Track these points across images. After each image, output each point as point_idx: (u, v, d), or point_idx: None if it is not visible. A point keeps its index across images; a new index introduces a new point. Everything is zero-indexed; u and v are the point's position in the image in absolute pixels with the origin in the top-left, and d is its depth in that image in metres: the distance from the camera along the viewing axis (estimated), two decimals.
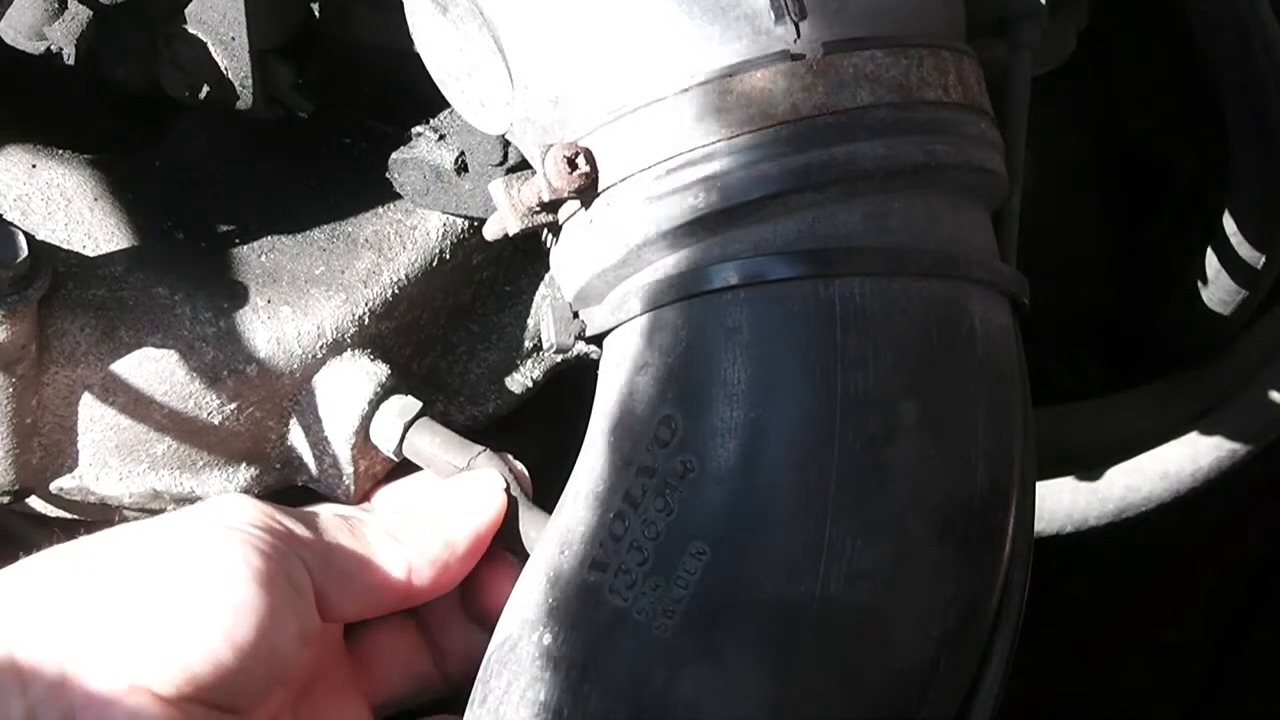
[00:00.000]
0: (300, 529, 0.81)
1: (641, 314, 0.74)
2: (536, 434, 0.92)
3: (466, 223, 0.90)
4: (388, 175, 0.89)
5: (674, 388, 0.72)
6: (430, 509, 0.84)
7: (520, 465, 0.86)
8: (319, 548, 0.81)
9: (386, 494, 0.89)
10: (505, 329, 0.95)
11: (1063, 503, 1.23)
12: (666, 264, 0.73)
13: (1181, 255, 1.21)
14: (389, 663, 0.86)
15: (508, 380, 0.95)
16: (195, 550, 0.77)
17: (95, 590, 0.76)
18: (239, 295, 0.87)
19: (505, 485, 0.83)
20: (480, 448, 0.85)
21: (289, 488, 0.90)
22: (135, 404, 0.86)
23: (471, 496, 0.83)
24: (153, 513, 0.89)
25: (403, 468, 0.88)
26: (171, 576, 0.77)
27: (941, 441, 0.72)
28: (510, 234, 0.78)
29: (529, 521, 0.83)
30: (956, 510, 0.72)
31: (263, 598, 0.76)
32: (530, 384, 0.95)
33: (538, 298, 0.94)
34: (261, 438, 0.88)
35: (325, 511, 0.85)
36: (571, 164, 0.73)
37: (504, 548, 0.84)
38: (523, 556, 0.78)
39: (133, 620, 0.75)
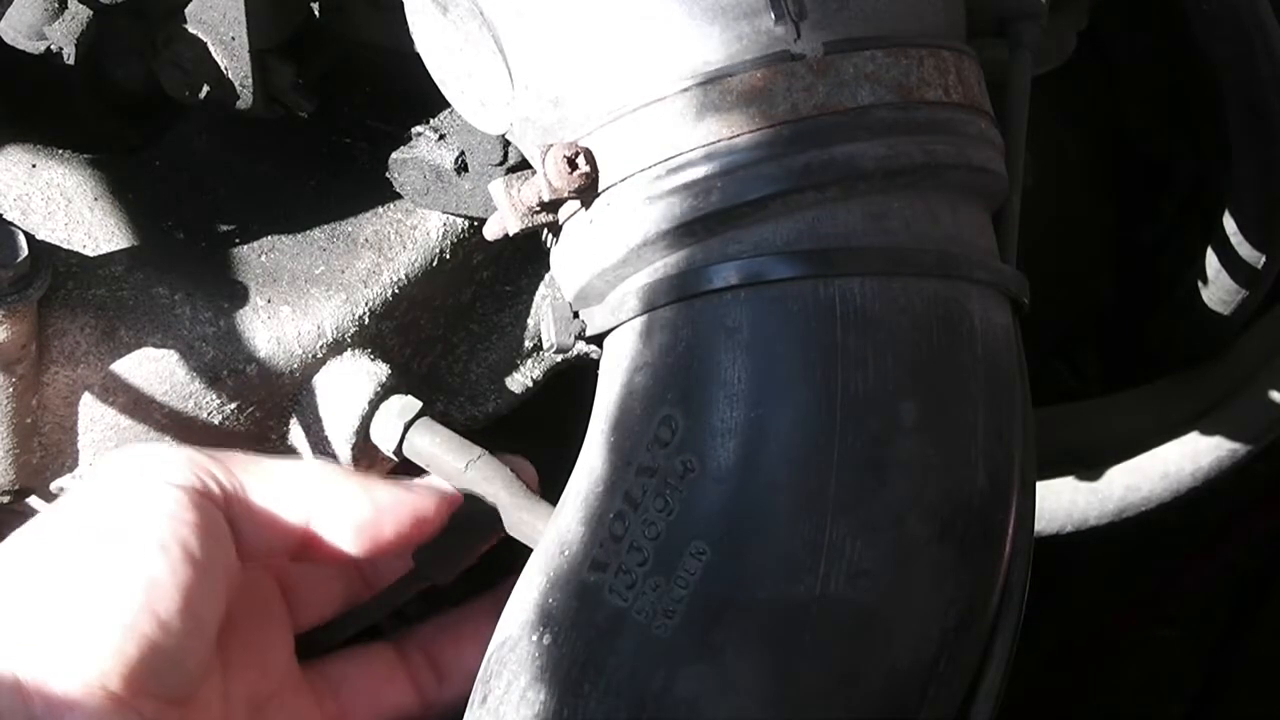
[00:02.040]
0: (219, 469, 0.79)
1: (641, 314, 0.74)
2: (536, 434, 0.92)
3: (466, 223, 0.90)
4: (388, 175, 0.89)
5: (674, 388, 0.72)
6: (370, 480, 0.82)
7: (525, 462, 0.86)
8: (233, 491, 0.79)
9: None
10: (505, 329, 0.95)
11: (1063, 503, 1.23)
12: (667, 264, 0.74)
13: (1181, 255, 1.21)
14: (360, 697, 0.85)
15: (508, 380, 0.95)
16: (107, 532, 0.75)
17: (30, 592, 0.75)
18: (239, 295, 0.87)
19: (445, 502, 0.82)
20: (480, 449, 0.85)
21: None
22: (135, 404, 0.86)
23: (419, 486, 0.82)
24: None
25: (403, 468, 0.88)
26: (93, 568, 0.74)
27: (941, 441, 0.72)
28: (510, 234, 0.78)
29: (537, 515, 0.83)
30: (956, 510, 0.72)
31: (179, 569, 0.74)
32: (530, 384, 0.95)
33: (538, 298, 0.94)
34: (262, 438, 0.88)
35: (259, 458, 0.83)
36: (571, 164, 0.73)
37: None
38: (528, 552, 0.78)
39: (73, 618, 0.73)
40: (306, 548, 0.81)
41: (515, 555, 0.83)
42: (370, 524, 0.81)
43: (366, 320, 0.88)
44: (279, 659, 0.83)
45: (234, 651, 0.80)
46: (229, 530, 0.78)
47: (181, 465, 0.78)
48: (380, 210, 0.91)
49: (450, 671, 0.86)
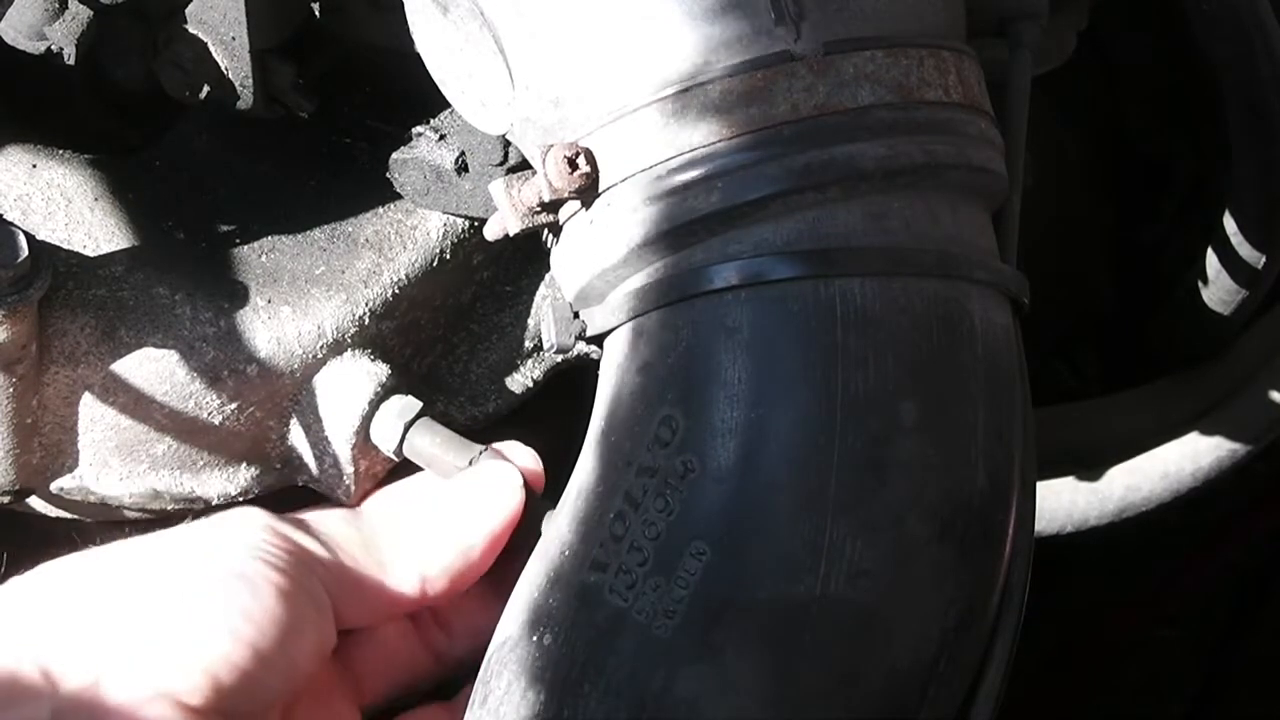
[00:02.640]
0: (313, 544, 0.82)
1: (642, 314, 0.74)
2: (537, 434, 0.92)
3: (466, 223, 0.90)
4: (388, 175, 0.89)
5: (674, 388, 0.72)
6: (446, 512, 0.84)
7: (527, 449, 0.86)
8: (333, 563, 0.81)
9: (397, 490, 0.89)
10: (505, 329, 0.95)
11: (1063, 503, 1.23)
12: (667, 264, 0.73)
13: (1181, 255, 1.21)
14: (377, 662, 0.87)
15: (508, 380, 0.95)
16: (216, 563, 0.78)
17: (120, 598, 0.77)
18: (239, 295, 0.87)
19: (522, 479, 0.84)
20: (480, 447, 0.85)
21: (289, 487, 0.91)
22: (135, 404, 0.86)
23: (487, 495, 0.83)
24: (153, 513, 0.89)
25: (403, 468, 0.88)
26: (194, 588, 0.77)
27: (942, 441, 0.72)
28: (510, 234, 0.78)
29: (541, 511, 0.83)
30: (956, 510, 0.72)
31: (283, 610, 0.77)
32: (530, 384, 0.95)
33: (538, 298, 0.94)
34: (262, 438, 0.88)
35: (336, 519, 0.85)
36: (572, 164, 0.73)
37: None
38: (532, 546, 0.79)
39: (158, 630, 0.76)
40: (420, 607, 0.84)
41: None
42: (463, 573, 0.83)
43: (366, 320, 0.88)
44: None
45: None
46: (327, 597, 0.80)
47: (282, 535, 0.81)
48: (380, 210, 0.91)
49: (457, 630, 0.87)
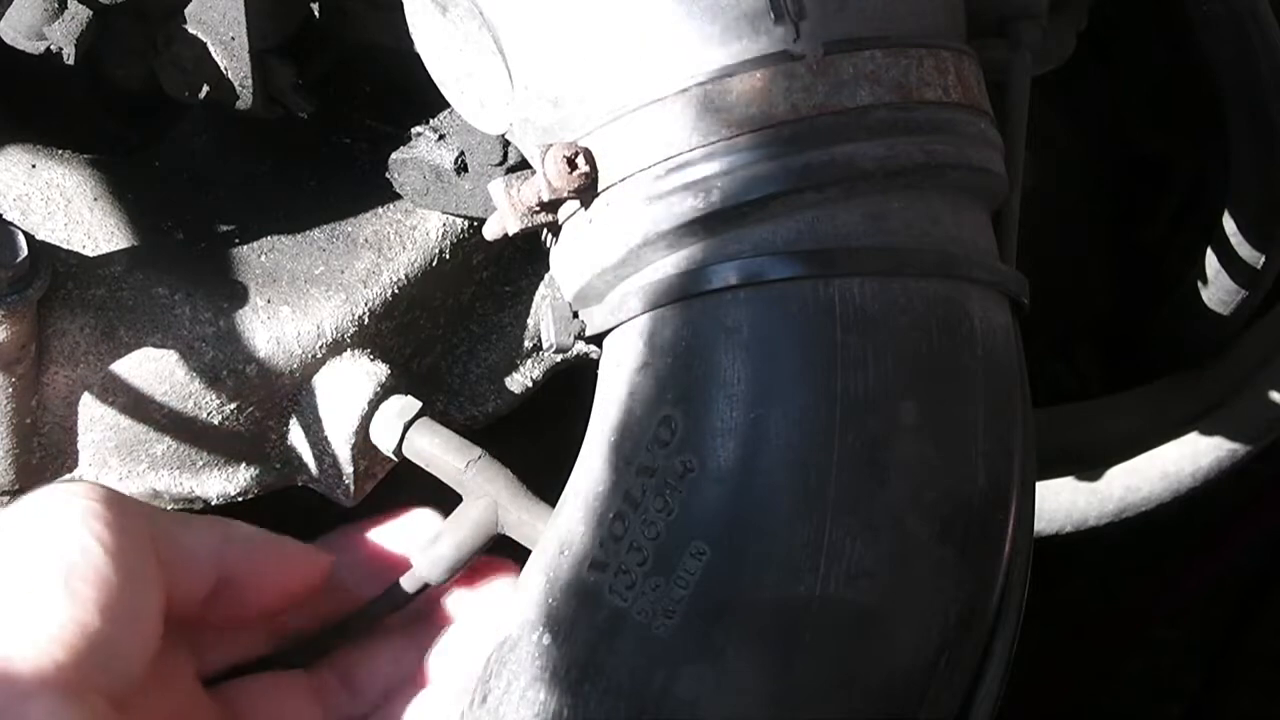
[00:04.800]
0: (134, 503, 0.79)
1: (641, 314, 0.74)
2: (536, 434, 0.92)
3: (466, 223, 0.91)
4: (388, 175, 0.89)
5: (674, 388, 0.72)
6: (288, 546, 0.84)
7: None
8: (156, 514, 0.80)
9: None
10: (505, 329, 0.95)
11: (1063, 503, 1.23)
12: (666, 264, 0.74)
13: (1181, 255, 1.21)
14: (259, 715, 0.83)
15: (507, 380, 0.95)
16: (44, 534, 0.75)
17: None
18: (239, 295, 0.87)
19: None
20: (480, 449, 0.85)
21: (289, 487, 0.91)
22: (135, 404, 0.86)
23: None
24: None
25: (402, 468, 0.88)
26: (21, 562, 0.74)
27: (941, 441, 0.72)
28: (510, 234, 0.78)
29: (536, 516, 0.83)
30: (956, 510, 0.72)
31: (115, 567, 0.73)
32: (530, 384, 0.95)
33: (538, 298, 0.94)
34: (261, 438, 0.88)
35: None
36: (571, 164, 0.73)
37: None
38: (526, 554, 0.79)
39: (12, 614, 0.72)
40: (216, 598, 0.81)
41: (515, 555, 0.84)
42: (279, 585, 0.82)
43: (366, 320, 0.88)
44: (184, 684, 0.81)
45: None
46: (154, 550, 0.77)
47: (106, 496, 0.78)
48: (380, 210, 0.91)
49: (363, 686, 0.85)
